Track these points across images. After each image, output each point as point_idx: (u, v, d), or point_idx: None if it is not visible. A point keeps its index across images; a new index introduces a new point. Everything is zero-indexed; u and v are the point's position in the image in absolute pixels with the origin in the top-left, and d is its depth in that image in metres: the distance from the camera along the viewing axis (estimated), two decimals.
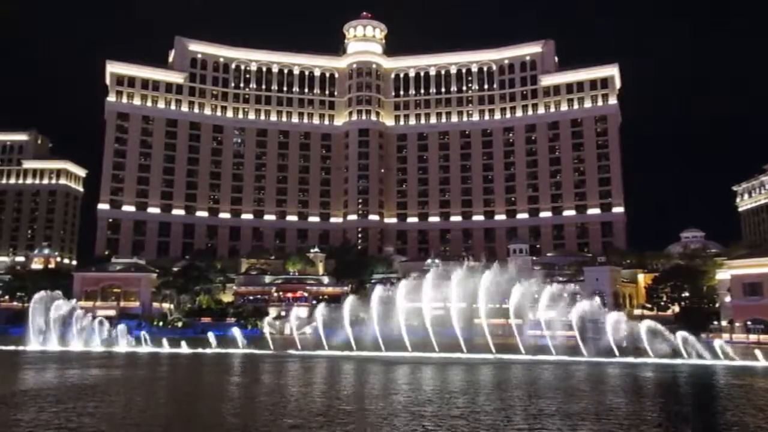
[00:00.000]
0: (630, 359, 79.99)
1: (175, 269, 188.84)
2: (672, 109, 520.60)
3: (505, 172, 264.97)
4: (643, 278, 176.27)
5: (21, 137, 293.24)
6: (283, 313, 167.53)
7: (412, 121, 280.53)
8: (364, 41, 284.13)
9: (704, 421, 40.21)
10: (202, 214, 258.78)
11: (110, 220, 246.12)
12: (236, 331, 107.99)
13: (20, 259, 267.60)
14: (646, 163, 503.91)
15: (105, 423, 36.70)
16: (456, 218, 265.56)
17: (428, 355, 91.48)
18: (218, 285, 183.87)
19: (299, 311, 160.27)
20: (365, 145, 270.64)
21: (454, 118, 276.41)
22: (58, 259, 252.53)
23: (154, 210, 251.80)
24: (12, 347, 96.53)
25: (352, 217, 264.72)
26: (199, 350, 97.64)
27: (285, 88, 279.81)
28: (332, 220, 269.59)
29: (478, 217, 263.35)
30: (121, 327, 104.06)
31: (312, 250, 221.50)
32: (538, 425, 35.64)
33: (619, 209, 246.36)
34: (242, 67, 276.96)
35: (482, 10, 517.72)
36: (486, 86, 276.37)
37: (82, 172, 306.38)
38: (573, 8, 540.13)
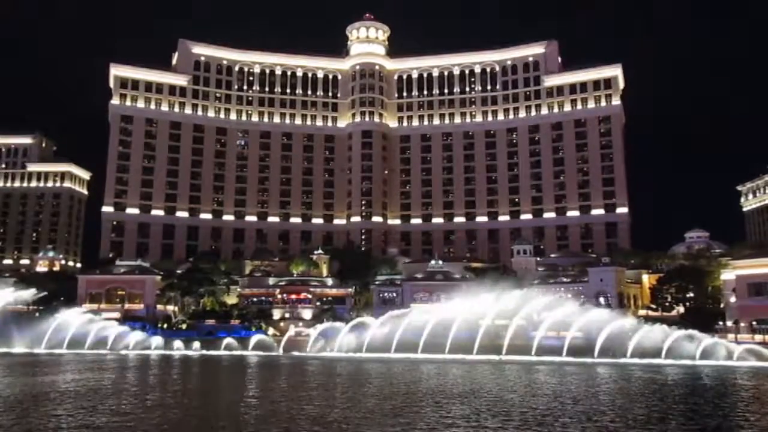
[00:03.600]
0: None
1: (180, 271, 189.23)
2: (673, 109, 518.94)
3: (508, 173, 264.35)
4: (647, 279, 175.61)
5: (25, 140, 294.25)
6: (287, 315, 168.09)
7: (416, 123, 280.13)
8: (367, 43, 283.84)
9: None
10: (206, 216, 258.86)
11: (114, 222, 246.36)
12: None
13: (25, 261, 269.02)
14: (651, 163, 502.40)
15: None
16: (460, 219, 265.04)
17: (438, 356, 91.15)
18: (222, 287, 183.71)
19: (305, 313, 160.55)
20: (368, 147, 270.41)
21: (458, 119, 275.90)
22: (63, 261, 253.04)
23: (158, 212, 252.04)
24: None
25: (356, 218, 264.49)
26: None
27: (288, 90, 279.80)
28: (336, 221, 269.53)
29: (482, 218, 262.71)
30: None
31: (316, 252, 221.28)
32: None
33: (623, 210, 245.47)
34: (245, 70, 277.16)
35: (483, 11, 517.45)
36: (489, 87, 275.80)
37: (86, 175, 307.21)
38: (573, 9, 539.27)
